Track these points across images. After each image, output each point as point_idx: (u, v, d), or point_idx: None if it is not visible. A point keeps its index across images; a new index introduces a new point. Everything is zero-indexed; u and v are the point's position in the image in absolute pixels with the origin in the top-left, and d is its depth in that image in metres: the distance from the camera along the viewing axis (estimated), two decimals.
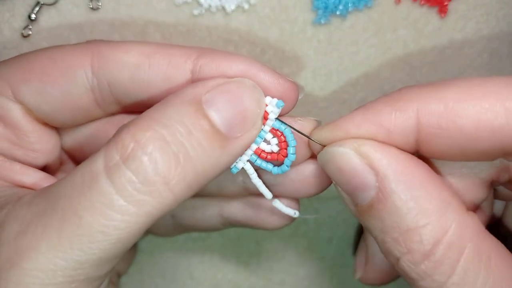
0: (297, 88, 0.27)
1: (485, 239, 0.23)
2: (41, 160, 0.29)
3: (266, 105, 0.26)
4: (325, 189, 0.29)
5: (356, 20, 0.36)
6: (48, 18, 0.34)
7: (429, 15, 0.36)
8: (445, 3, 0.35)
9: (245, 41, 0.35)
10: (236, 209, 0.32)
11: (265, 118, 0.26)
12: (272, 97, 0.26)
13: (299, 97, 0.27)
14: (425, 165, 0.24)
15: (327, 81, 0.37)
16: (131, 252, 0.38)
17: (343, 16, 0.35)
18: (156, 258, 0.41)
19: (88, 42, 0.28)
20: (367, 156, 0.24)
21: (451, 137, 0.23)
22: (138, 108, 0.27)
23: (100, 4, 0.34)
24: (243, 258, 0.42)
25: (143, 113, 0.24)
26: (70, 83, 0.26)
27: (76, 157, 0.30)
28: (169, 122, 0.23)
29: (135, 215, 0.22)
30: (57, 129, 0.29)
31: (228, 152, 0.24)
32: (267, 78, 0.26)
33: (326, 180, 0.28)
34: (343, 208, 0.40)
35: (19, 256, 0.22)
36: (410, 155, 0.24)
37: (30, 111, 0.27)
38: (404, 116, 0.24)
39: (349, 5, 0.35)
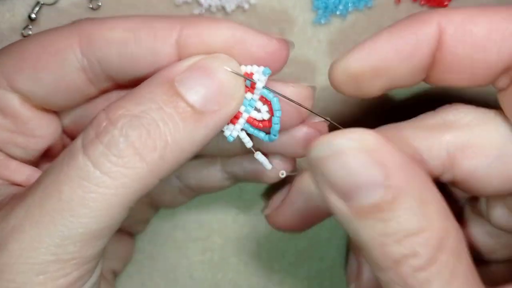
0: (287, 45, 0.27)
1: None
2: (42, 144, 0.29)
3: (252, 74, 0.27)
4: None
5: (356, 20, 0.36)
6: (48, 18, 0.34)
7: None
8: (445, 3, 0.35)
9: None
10: (237, 166, 0.34)
11: (253, 87, 0.27)
12: (260, 64, 0.27)
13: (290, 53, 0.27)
14: (422, 168, 0.24)
15: (327, 81, 0.37)
16: (127, 251, 0.38)
17: (343, 16, 0.35)
18: (156, 258, 0.41)
19: (74, 22, 0.28)
20: (376, 151, 0.22)
21: (465, 46, 0.25)
22: (131, 82, 0.28)
23: (100, 4, 0.34)
24: (243, 258, 0.42)
25: (121, 97, 0.25)
26: (61, 66, 0.27)
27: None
28: (141, 101, 0.24)
29: (113, 186, 0.23)
30: (57, 112, 0.30)
31: (205, 126, 0.25)
32: (253, 41, 0.26)
33: None
34: None
35: (5, 240, 0.23)
36: (404, 153, 0.23)
37: (27, 99, 0.28)
38: (426, 28, 0.25)
39: (349, 5, 0.35)
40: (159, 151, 0.23)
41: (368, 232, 0.23)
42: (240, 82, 0.26)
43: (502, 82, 0.27)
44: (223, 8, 0.34)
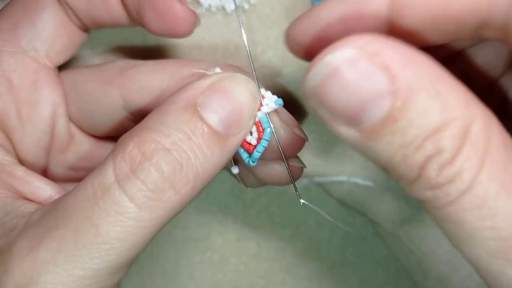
0: (192, 15, 0.29)
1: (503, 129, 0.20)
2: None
3: (263, 97, 0.27)
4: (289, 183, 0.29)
5: None
6: None
7: None
8: None
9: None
10: None
11: (257, 109, 0.27)
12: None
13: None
14: (432, 58, 0.21)
15: None
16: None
17: None
18: (156, 258, 0.41)
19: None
20: (373, 54, 0.19)
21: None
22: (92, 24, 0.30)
23: None
24: (243, 258, 0.42)
25: (144, 122, 0.25)
26: (45, 14, 0.30)
27: (82, 127, 0.32)
28: (169, 131, 0.24)
29: (148, 220, 0.23)
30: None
31: (228, 150, 0.25)
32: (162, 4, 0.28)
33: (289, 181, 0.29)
34: (343, 208, 0.40)
35: (37, 272, 0.23)
36: (409, 45, 0.20)
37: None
38: None
39: None
40: (191, 182, 0.24)
41: (387, 150, 0.20)
42: (257, 104, 0.26)
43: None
44: (223, 8, 0.34)
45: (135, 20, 0.29)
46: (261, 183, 0.31)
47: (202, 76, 0.26)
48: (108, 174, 0.23)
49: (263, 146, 0.27)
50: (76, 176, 0.32)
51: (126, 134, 0.25)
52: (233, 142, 0.25)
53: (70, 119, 0.31)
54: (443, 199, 0.20)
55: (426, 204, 0.20)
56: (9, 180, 0.27)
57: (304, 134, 0.29)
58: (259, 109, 0.26)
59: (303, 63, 0.36)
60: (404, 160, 0.20)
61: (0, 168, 0.27)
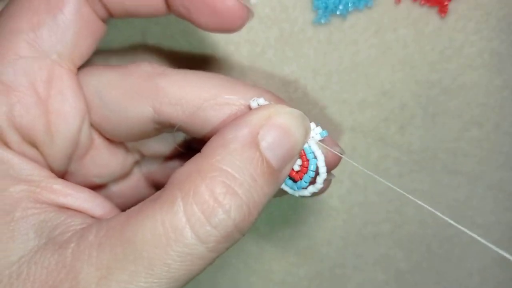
0: (246, 11, 0.28)
1: None
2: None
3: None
4: None
5: (356, 20, 0.36)
6: None
7: (429, 15, 0.36)
8: (445, 3, 0.35)
9: (245, 40, 0.35)
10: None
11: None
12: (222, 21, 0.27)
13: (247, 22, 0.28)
14: None
15: (327, 81, 0.37)
16: None
17: (343, 16, 0.35)
18: None
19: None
20: None
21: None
22: (122, 13, 0.29)
23: None
24: (243, 258, 0.42)
25: (209, 157, 0.26)
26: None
27: (105, 133, 0.31)
28: (238, 174, 0.25)
29: (214, 258, 0.25)
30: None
31: (280, 183, 0.27)
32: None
33: None
34: (343, 208, 0.40)
35: None
36: None
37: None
38: None
39: (349, 5, 0.35)
40: (251, 217, 0.25)
41: None
42: (307, 139, 0.28)
43: None
44: None
45: (177, 12, 0.28)
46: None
47: (255, 109, 0.27)
48: (179, 215, 0.24)
49: (309, 177, 0.28)
50: (91, 181, 0.32)
51: (191, 166, 0.25)
52: (284, 175, 0.27)
53: (91, 124, 0.30)
54: None
55: None
56: (48, 195, 0.27)
57: (342, 150, 0.30)
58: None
59: (302, 63, 0.36)
60: None
61: (37, 184, 0.27)
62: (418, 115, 0.38)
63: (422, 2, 0.35)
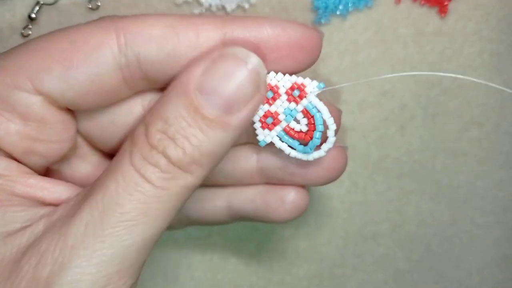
0: (321, 37, 0.27)
1: None
2: (64, 149, 0.28)
3: (304, 86, 0.27)
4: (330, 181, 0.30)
5: (356, 20, 0.36)
6: (48, 18, 0.34)
7: (429, 15, 0.36)
8: (445, 3, 0.35)
9: None
10: (245, 199, 0.32)
11: (301, 97, 0.27)
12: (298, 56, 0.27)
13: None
14: None
15: (327, 81, 0.37)
16: None
17: (343, 16, 0.35)
18: (156, 259, 0.41)
19: (106, 18, 0.27)
20: None
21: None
22: (167, 82, 0.27)
23: (99, 3, 0.34)
24: (243, 258, 0.42)
25: (153, 109, 0.26)
26: (96, 65, 0.26)
27: (92, 140, 0.30)
28: (172, 121, 0.25)
29: (167, 195, 0.25)
30: (73, 112, 0.29)
31: (233, 127, 0.26)
32: (295, 37, 0.27)
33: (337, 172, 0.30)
34: (343, 208, 0.40)
35: (68, 258, 0.24)
36: None
37: (52, 101, 0.27)
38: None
39: (349, 5, 0.35)
40: (197, 162, 0.25)
41: None
42: (262, 78, 0.26)
43: None
44: (224, 7, 0.34)
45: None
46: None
47: (204, 54, 0.26)
48: (125, 160, 0.25)
49: (320, 132, 0.27)
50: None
51: (139, 123, 0.26)
52: (239, 119, 0.26)
53: (79, 131, 0.30)
54: None
55: None
56: (23, 189, 0.27)
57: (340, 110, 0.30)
58: (303, 97, 0.27)
59: None
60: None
61: (13, 178, 0.27)
62: (418, 115, 0.38)
63: (422, 2, 0.35)
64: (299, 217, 0.31)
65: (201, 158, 0.25)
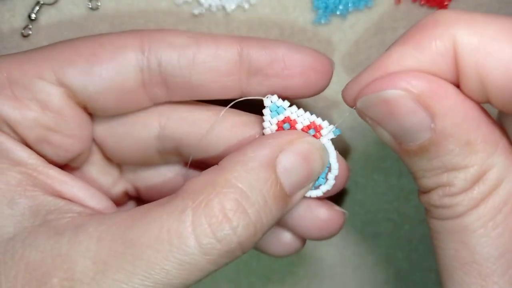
0: (332, 65, 0.29)
1: None
2: (77, 147, 0.29)
3: (321, 128, 0.28)
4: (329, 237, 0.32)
5: (356, 20, 0.36)
6: (48, 18, 0.34)
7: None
8: (445, 3, 0.35)
9: None
10: None
11: (315, 137, 0.28)
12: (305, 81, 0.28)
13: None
14: (476, 104, 0.24)
15: None
16: None
17: (343, 16, 0.35)
18: None
19: (135, 30, 0.28)
20: (423, 96, 0.23)
21: (478, 76, 0.23)
22: (185, 94, 0.28)
23: (99, 4, 0.34)
24: (243, 258, 0.41)
25: (224, 172, 0.26)
26: (119, 63, 0.27)
27: (107, 148, 0.31)
28: (250, 193, 0.25)
29: (211, 271, 0.25)
30: (92, 116, 0.29)
31: (289, 208, 0.27)
32: (307, 59, 0.28)
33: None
34: (343, 208, 0.40)
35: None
36: (460, 93, 0.24)
37: (73, 95, 0.27)
38: (443, 45, 0.23)
39: (349, 5, 0.35)
40: (256, 237, 0.26)
41: (414, 165, 0.25)
42: (324, 169, 0.28)
43: None
44: (223, 7, 0.34)
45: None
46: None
47: (278, 132, 0.28)
48: (186, 223, 0.24)
49: (323, 173, 0.29)
50: None
51: (207, 178, 0.25)
52: (294, 202, 0.27)
53: (94, 138, 0.30)
54: (436, 216, 0.25)
55: (427, 213, 0.26)
56: (44, 179, 0.27)
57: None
58: (317, 138, 0.28)
59: None
60: (422, 178, 0.25)
61: (34, 168, 0.27)
62: None
63: (422, 2, 0.35)
64: None
65: (263, 233, 0.26)
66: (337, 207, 0.31)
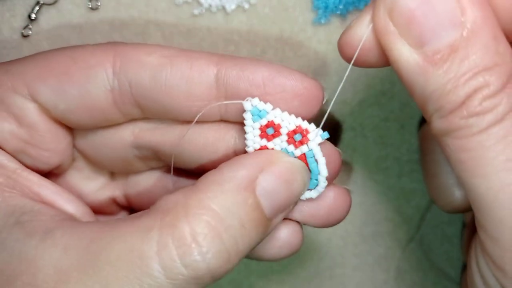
0: (320, 87, 0.27)
1: None
2: (54, 160, 0.29)
3: (307, 132, 0.26)
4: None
5: None
6: (48, 18, 0.34)
7: None
8: None
9: (245, 41, 0.35)
10: None
11: (302, 142, 0.26)
12: (295, 105, 0.26)
13: (323, 101, 0.27)
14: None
15: (327, 81, 0.37)
16: None
17: (343, 16, 0.35)
18: None
19: (110, 43, 0.28)
20: None
21: None
22: (158, 113, 0.27)
23: (99, 4, 0.34)
24: (243, 258, 0.42)
25: (198, 192, 0.24)
26: (89, 83, 0.26)
27: (89, 157, 0.30)
28: (225, 215, 0.23)
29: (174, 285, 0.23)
30: (71, 129, 0.29)
31: (269, 231, 0.25)
32: (291, 83, 0.26)
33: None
34: None
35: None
36: None
37: (46, 110, 0.27)
38: None
39: (349, 5, 0.35)
40: (230, 265, 0.24)
41: (442, 76, 0.22)
42: (306, 190, 0.27)
43: None
44: (223, 8, 0.34)
45: None
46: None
47: (257, 152, 0.26)
48: (151, 243, 0.23)
49: (314, 179, 0.27)
50: None
51: (179, 197, 0.24)
52: (274, 225, 0.26)
53: (76, 147, 0.30)
54: (473, 128, 0.22)
55: (454, 134, 0.23)
56: (22, 182, 0.27)
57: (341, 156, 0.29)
58: (304, 143, 0.26)
59: (302, 64, 0.36)
60: (455, 88, 0.22)
61: (13, 171, 0.27)
62: (418, 115, 0.38)
63: None
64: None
65: (239, 259, 0.24)
66: (341, 186, 0.30)
